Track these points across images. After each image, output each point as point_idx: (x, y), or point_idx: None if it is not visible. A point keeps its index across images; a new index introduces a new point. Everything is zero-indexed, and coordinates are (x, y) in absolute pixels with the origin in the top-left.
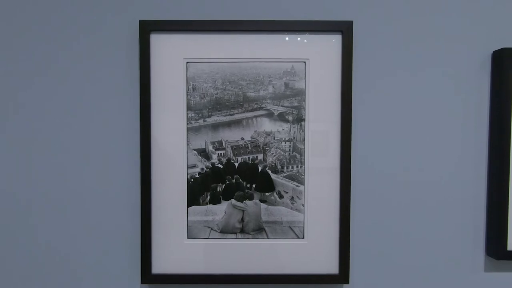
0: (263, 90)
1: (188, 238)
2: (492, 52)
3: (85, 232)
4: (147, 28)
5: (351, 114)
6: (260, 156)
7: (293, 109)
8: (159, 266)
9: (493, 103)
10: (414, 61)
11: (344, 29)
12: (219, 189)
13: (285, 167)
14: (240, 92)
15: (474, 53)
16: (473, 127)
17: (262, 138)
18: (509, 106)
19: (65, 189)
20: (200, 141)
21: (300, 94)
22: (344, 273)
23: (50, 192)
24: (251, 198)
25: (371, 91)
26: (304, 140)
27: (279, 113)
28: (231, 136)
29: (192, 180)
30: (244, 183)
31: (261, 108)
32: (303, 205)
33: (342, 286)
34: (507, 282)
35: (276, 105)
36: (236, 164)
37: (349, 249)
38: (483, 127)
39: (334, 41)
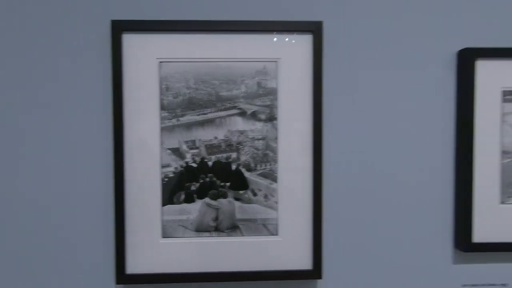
0: (236, 90)
1: (163, 237)
2: (457, 52)
3: (58, 233)
4: (119, 28)
5: (322, 112)
6: (234, 155)
7: (266, 108)
8: (134, 266)
9: (459, 101)
10: (383, 61)
11: (314, 29)
12: (193, 188)
13: (258, 165)
14: (213, 92)
15: (441, 52)
16: (441, 126)
17: (235, 136)
18: (472, 105)
19: (38, 189)
20: (174, 141)
21: (273, 93)
22: (317, 269)
23: (22, 192)
24: (225, 196)
25: (342, 90)
26: (277, 138)
27: (252, 112)
28: (205, 135)
29: (166, 179)
30: (218, 181)
31: (234, 107)
32: (277, 203)
33: (315, 282)
34: (473, 273)
35: (249, 104)
36: (210, 163)
37: (321, 245)
38: (450, 126)
39: (305, 41)
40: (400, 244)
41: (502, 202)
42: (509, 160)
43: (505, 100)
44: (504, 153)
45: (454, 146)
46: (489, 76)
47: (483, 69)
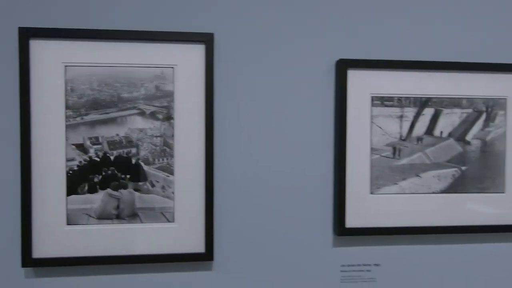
0: (136, 92)
1: (67, 224)
2: (335, 62)
3: None
4: (26, 35)
5: (213, 113)
6: (134, 150)
7: (163, 109)
8: (40, 251)
9: (336, 105)
10: (271, 69)
11: (206, 40)
12: (96, 179)
13: (156, 160)
14: (115, 93)
15: (323, 63)
16: (322, 127)
17: (135, 134)
18: (345, 108)
19: None
20: (78, 137)
21: (169, 95)
22: (209, 252)
23: None
24: (125, 187)
25: (231, 93)
26: (173, 135)
27: (150, 112)
28: (107, 132)
29: (71, 172)
30: (119, 174)
31: (134, 108)
32: (173, 193)
33: (209, 263)
34: (350, 255)
35: (148, 105)
36: (112, 157)
37: (213, 231)
38: (330, 127)
39: (198, 50)
40: (286, 230)
41: (372, 193)
42: (377, 156)
43: (373, 104)
44: (373, 150)
45: (333, 144)
46: (359, 83)
47: (355, 77)
